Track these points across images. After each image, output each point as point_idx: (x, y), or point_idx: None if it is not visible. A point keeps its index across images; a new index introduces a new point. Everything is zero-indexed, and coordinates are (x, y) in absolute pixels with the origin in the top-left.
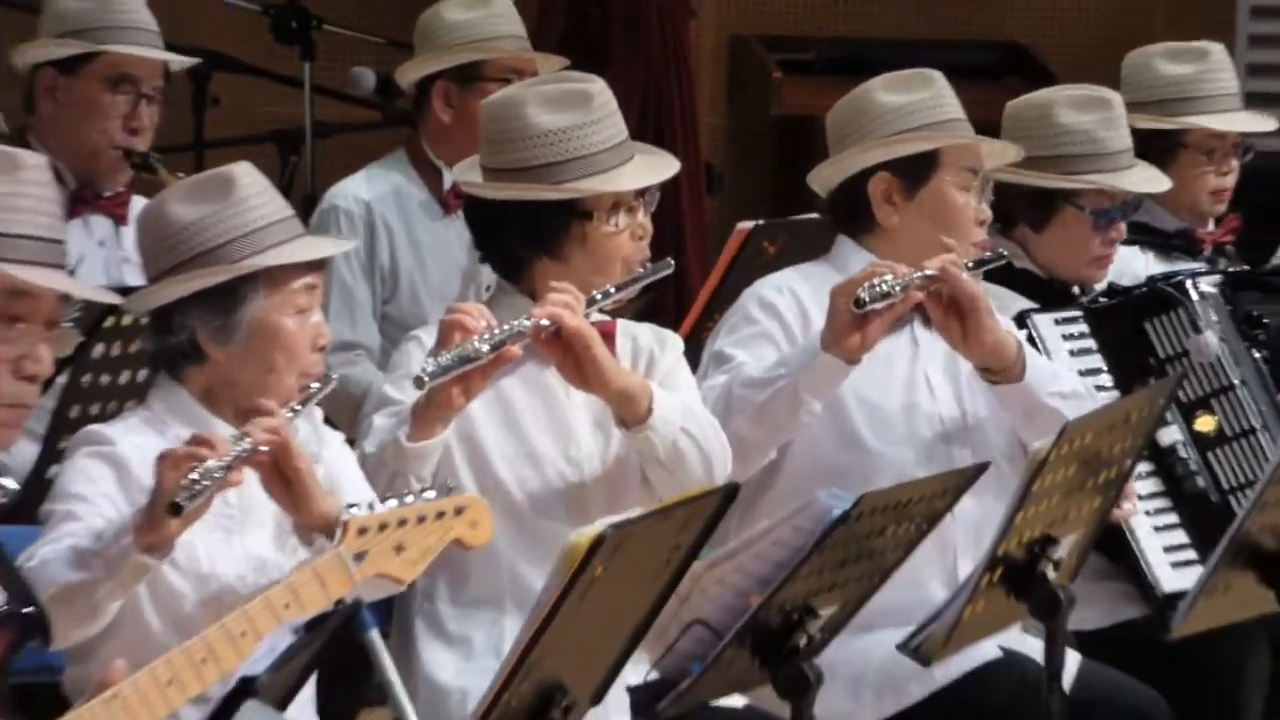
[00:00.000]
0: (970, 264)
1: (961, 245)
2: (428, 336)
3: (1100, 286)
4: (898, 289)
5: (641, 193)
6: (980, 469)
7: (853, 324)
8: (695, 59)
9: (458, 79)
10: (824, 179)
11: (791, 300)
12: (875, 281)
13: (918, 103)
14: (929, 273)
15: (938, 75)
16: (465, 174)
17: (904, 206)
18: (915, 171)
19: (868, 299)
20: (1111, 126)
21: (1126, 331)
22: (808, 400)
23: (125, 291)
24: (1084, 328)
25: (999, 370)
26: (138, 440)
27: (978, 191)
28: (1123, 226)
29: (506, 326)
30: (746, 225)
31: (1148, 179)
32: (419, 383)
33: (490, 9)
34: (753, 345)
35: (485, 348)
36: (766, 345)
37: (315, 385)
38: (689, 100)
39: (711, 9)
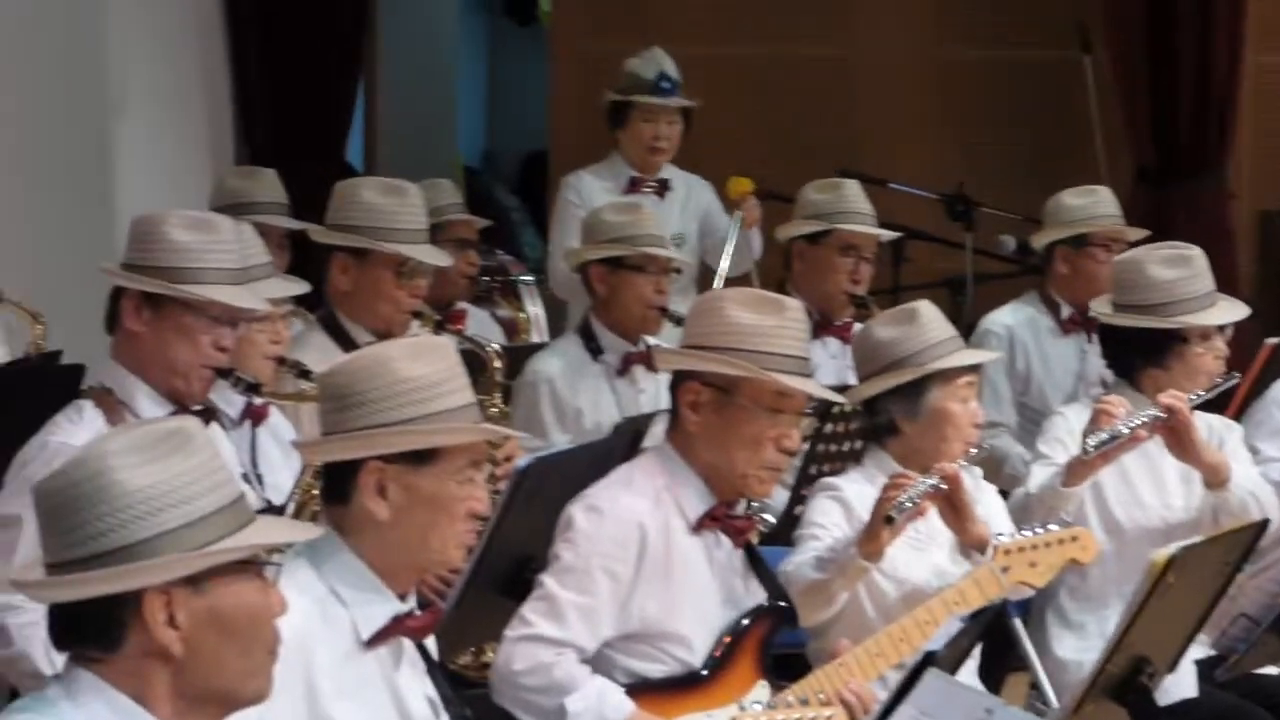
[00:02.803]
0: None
1: None
2: (1069, 413)
3: None
4: None
5: (1221, 326)
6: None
7: None
8: (1236, 227)
9: (1072, 244)
10: None
11: None
12: None
13: None
14: None
15: None
16: (1100, 307)
17: None
18: None
19: None
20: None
21: None
22: None
23: (846, 389)
24: None
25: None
26: (857, 488)
27: None
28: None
29: (1139, 418)
30: (1272, 341)
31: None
32: (1085, 452)
33: (1095, 196)
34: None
35: (1125, 430)
36: None
37: (973, 450)
38: (1232, 255)
39: (1246, 194)
